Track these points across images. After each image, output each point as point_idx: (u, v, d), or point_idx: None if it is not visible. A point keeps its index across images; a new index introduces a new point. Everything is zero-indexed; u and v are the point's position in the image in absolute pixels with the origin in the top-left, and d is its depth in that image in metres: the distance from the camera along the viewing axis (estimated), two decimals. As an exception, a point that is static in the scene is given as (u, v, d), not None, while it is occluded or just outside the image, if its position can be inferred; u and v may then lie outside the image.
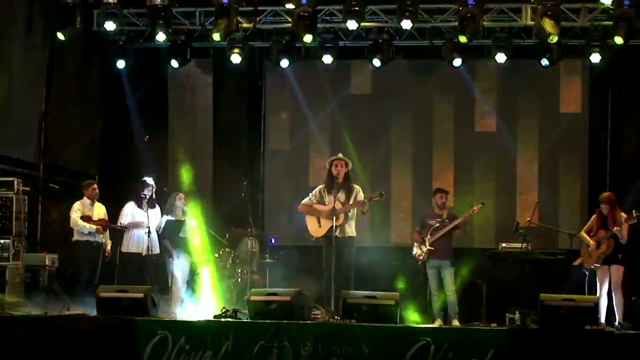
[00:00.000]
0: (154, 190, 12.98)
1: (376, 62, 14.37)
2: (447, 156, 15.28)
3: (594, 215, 11.79)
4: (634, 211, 11.39)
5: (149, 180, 12.98)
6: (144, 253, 12.72)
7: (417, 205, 14.93)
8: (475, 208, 12.46)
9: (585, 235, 11.78)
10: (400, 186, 15.29)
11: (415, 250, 12.44)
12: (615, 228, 11.40)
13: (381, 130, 15.43)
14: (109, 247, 12.97)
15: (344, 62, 15.08)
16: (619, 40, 13.21)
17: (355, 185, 12.04)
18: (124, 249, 12.88)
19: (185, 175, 14.23)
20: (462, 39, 13.57)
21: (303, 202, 12.16)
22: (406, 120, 15.46)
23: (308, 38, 13.85)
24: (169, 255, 12.87)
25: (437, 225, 12.32)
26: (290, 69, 14.94)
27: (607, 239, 11.45)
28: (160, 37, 14.09)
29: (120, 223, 12.85)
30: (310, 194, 12.16)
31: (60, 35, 13.94)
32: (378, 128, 15.44)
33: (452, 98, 15.28)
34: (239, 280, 13.60)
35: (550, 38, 13.27)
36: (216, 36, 13.86)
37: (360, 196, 11.89)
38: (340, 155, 12.10)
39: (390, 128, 15.47)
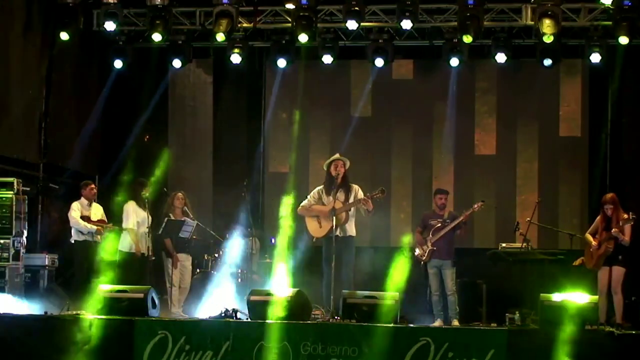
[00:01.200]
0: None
1: (376, 62, 14.36)
2: (447, 156, 15.27)
3: (599, 217, 11.75)
4: (630, 213, 11.38)
5: (147, 180, 12.99)
6: (145, 253, 12.71)
7: (417, 206, 14.94)
8: (476, 206, 12.44)
9: (589, 236, 11.75)
10: (400, 186, 15.29)
11: (418, 251, 12.43)
12: (613, 230, 11.39)
13: (381, 130, 15.43)
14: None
15: (344, 62, 15.08)
16: (624, 39, 13.17)
17: (354, 185, 12.06)
18: (124, 249, 12.87)
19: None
20: (467, 38, 13.53)
21: (302, 204, 12.17)
22: (406, 120, 15.45)
23: (303, 38, 13.81)
24: (167, 255, 12.87)
25: (439, 225, 12.32)
26: (290, 68, 14.94)
27: (607, 241, 11.43)
28: (156, 37, 14.05)
29: (125, 227, 12.81)
30: (309, 196, 12.18)
31: (64, 36, 13.90)
32: (378, 128, 15.44)
33: (452, 98, 15.26)
34: (239, 280, 13.60)
35: (546, 38, 13.27)
36: (220, 36, 13.81)
37: (360, 195, 11.90)
38: (337, 155, 12.11)
39: (390, 128, 15.46)
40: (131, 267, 12.64)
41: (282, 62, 14.60)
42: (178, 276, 12.79)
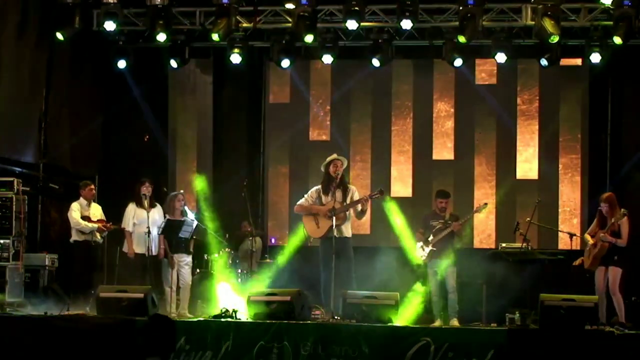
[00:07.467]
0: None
1: (376, 62, 14.35)
2: (447, 156, 15.27)
3: (597, 216, 11.75)
4: (622, 210, 11.37)
5: (148, 180, 12.97)
6: (146, 253, 12.69)
7: (417, 206, 14.93)
8: (477, 208, 12.45)
9: (587, 236, 11.75)
10: (400, 186, 15.28)
11: (419, 252, 12.43)
12: (600, 234, 11.36)
13: (381, 130, 15.42)
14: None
15: (344, 62, 15.07)
16: (617, 40, 13.18)
17: (351, 186, 12.07)
18: (125, 249, 12.85)
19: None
20: (462, 39, 13.54)
21: (299, 202, 12.18)
22: (406, 119, 15.45)
23: (309, 38, 13.81)
24: (166, 255, 12.85)
25: (440, 226, 12.32)
26: (290, 68, 14.93)
27: (602, 241, 11.43)
28: (161, 37, 14.04)
29: (123, 227, 12.78)
30: (306, 195, 12.17)
31: (59, 36, 13.91)
32: (378, 127, 15.43)
33: (452, 98, 15.27)
34: (239, 280, 13.59)
35: (552, 38, 13.25)
36: (215, 36, 13.82)
37: (357, 196, 11.91)
38: (335, 155, 12.12)
39: (391, 128, 15.46)
40: (130, 267, 12.65)
41: (283, 62, 14.55)
42: (175, 277, 12.74)
